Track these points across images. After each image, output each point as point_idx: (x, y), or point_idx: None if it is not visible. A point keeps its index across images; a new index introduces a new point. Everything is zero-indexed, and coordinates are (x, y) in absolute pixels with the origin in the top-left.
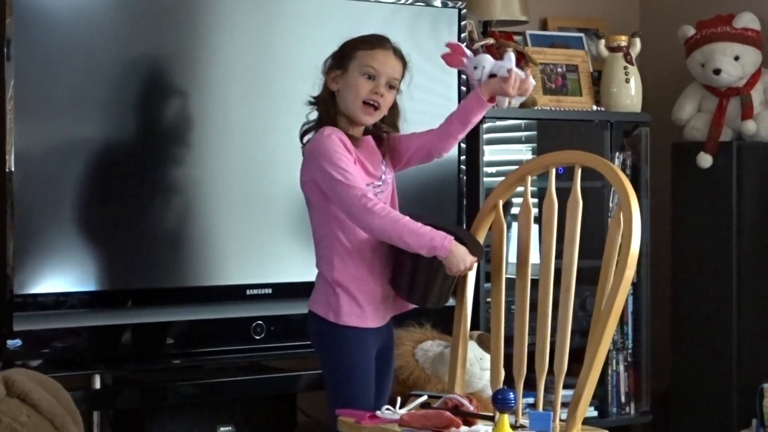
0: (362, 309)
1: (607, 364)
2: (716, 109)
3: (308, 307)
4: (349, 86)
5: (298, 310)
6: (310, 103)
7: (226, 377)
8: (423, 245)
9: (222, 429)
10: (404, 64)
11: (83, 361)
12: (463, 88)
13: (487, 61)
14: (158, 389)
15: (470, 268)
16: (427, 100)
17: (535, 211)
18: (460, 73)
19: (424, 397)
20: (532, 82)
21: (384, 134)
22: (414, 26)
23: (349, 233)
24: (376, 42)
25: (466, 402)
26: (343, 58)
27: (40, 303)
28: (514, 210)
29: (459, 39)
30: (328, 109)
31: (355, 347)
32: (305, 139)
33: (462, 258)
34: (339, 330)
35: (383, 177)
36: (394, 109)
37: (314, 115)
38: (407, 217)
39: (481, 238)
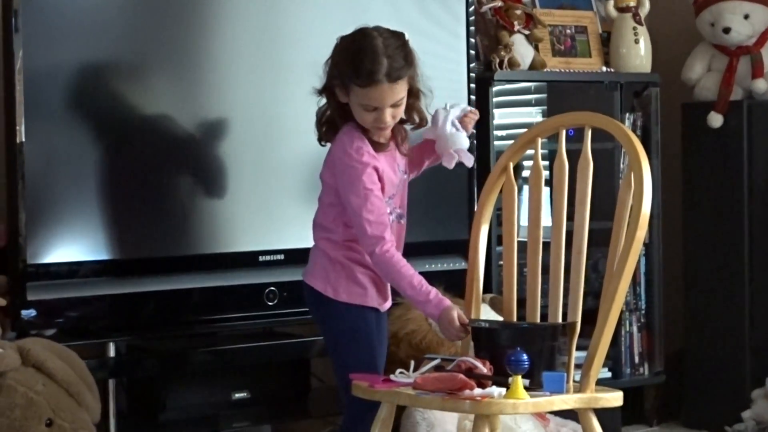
0: (364, 289)
1: (620, 325)
2: (726, 69)
3: (303, 279)
4: (355, 112)
5: None
6: (319, 93)
7: (239, 344)
8: (418, 307)
9: (236, 395)
10: (407, 66)
11: (97, 329)
12: (472, 52)
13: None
14: (172, 357)
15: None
16: (435, 66)
17: (545, 173)
18: (468, 37)
19: (438, 361)
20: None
21: (402, 136)
22: None
23: None
24: (367, 78)
25: (479, 364)
26: (342, 82)
27: (54, 272)
28: (525, 173)
29: (467, 2)
30: (345, 113)
31: (355, 318)
32: (324, 129)
33: (445, 328)
34: (338, 305)
35: (398, 184)
36: (410, 110)
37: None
38: (406, 277)
39: (492, 201)
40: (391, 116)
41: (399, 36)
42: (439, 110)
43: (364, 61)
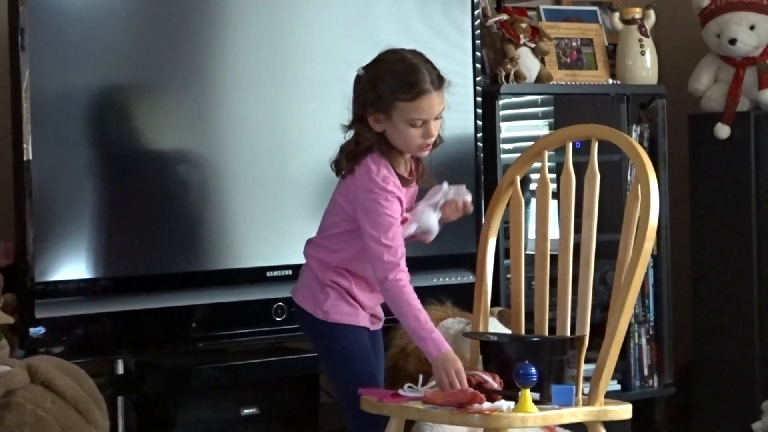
0: (355, 309)
1: (629, 337)
2: (733, 79)
3: (292, 296)
4: (399, 134)
5: None
6: (348, 128)
7: (248, 359)
8: (418, 343)
9: (245, 411)
10: (442, 77)
11: (106, 346)
12: (478, 66)
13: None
14: (181, 373)
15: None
16: None
17: (552, 186)
18: (473, 50)
19: None
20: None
21: (423, 167)
22: (426, 3)
23: (366, 267)
24: (416, 89)
25: (488, 378)
26: (382, 104)
27: (62, 290)
28: (532, 186)
29: (472, 16)
30: (379, 146)
31: (348, 336)
32: (351, 161)
33: (441, 374)
34: (329, 326)
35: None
36: None
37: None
38: (413, 309)
39: (499, 214)
40: (435, 129)
41: (419, 52)
42: (437, 186)
43: (407, 75)
